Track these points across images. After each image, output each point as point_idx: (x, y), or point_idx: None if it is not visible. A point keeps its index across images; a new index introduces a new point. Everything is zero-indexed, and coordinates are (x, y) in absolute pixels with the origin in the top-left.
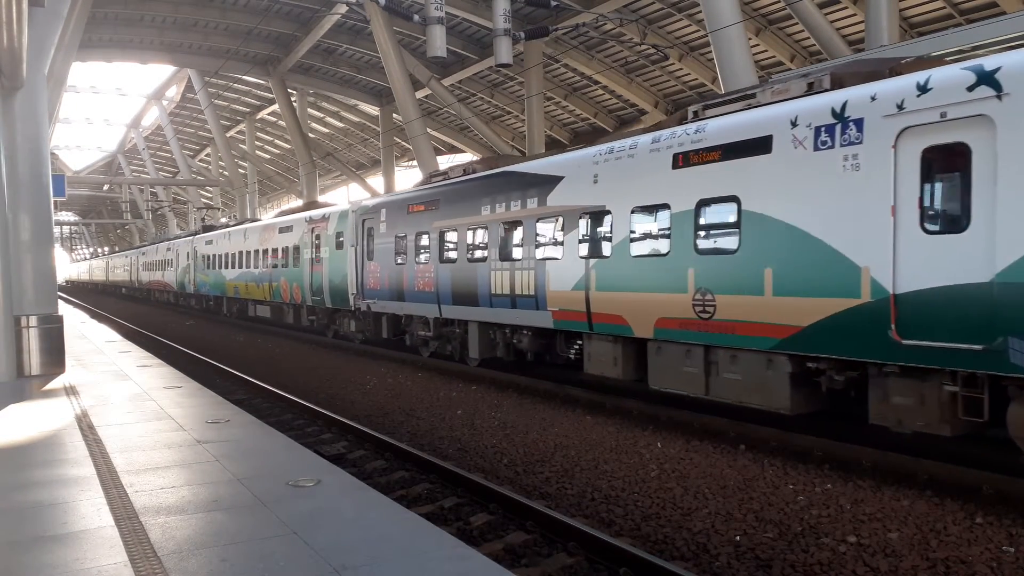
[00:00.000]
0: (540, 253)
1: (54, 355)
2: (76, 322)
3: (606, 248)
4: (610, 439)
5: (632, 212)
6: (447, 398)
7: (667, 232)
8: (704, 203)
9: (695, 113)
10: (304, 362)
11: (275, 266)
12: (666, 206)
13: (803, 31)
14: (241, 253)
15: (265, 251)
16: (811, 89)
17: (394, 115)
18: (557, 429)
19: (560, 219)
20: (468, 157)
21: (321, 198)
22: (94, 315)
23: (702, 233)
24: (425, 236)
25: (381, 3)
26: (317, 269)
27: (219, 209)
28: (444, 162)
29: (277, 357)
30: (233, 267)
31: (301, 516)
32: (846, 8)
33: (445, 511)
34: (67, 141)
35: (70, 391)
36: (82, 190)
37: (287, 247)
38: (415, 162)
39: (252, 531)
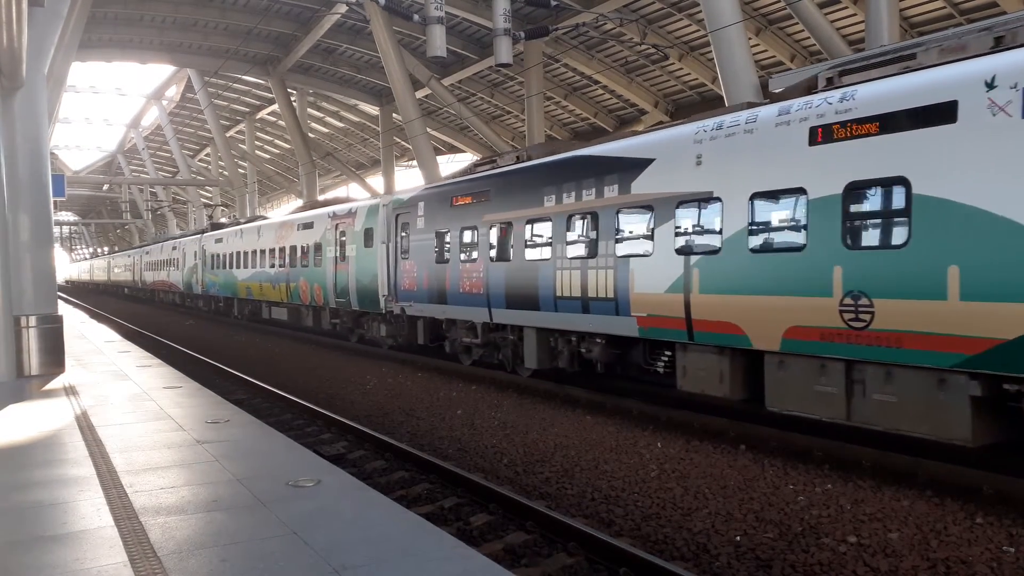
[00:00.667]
0: (622, 249)
1: (54, 355)
2: (76, 322)
3: (714, 242)
4: (610, 439)
5: (751, 199)
6: (447, 398)
7: (802, 222)
8: (856, 187)
9: (829, 80)
10: (304, 362)
11: (293, 265)
12: (800, 191)
13: (803, 31)
14: (255, 252)
15: (282, 249)
16: (999, 44)
17: (394, 115)
18: (557, 429)
19: (649, 209)
20: (469, 157)
21: (321, 198)
22: (94, 315)
23: (854, 223)
24: (472, 231)
25: (381, 3)
26: (342, 269)
27: (227, 206)
28: (444, 162)
29: (277, 357)
30: (246, 267)
31: (301, 516)
32: (846, 8)
33: (445, 511)
34: (67, 141)
35: (70, 391)
36: (82, 190)
37: (307, 245)
38: (415, 162)
39: (252, 531)
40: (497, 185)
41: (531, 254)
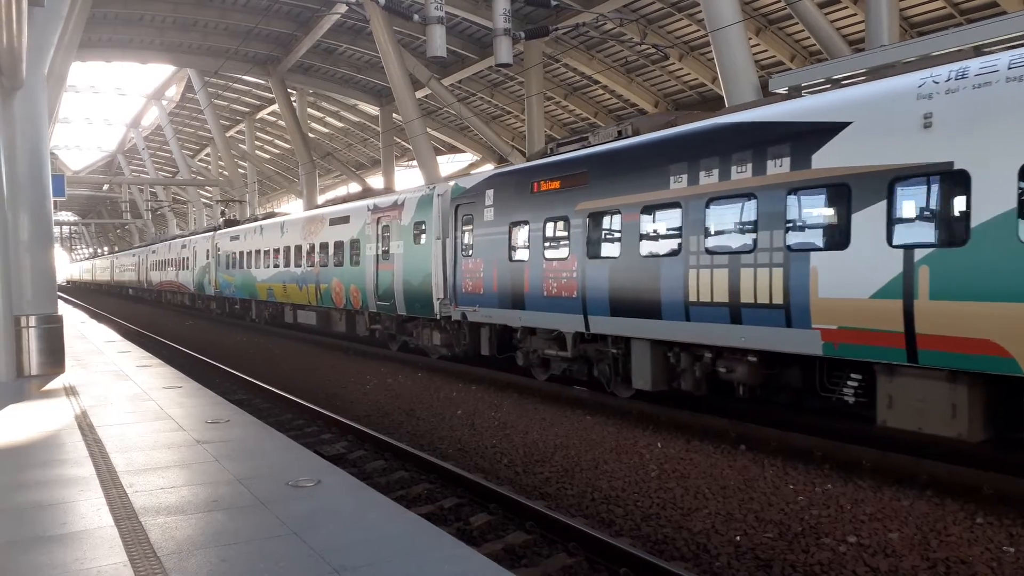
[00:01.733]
0: (797, 241)
1: (54, 355)
2: (76, 322)
3: (956, 231)
4: (610, 439)
5: (1023, 172)
6: (447, 398)
7: None
8: None
9: None
10: (304, 362)
11: (324, 265)
12: None
13: (803, 31)
14: (278, 250)
15: (311, 247)
16: None
17: (394, 115)
18: (557, 429)
19: (843, 188)
20: (469, 157)
21: (321, 198)
22: (94, 315)
23: None
24: (562, 222)
25: (381, 3)
26: (386, 268)
27: (239, 202)
28: (444, 162)
29: (277, 357)
30: (266, 266)
31: (301, 516)
32: (846, 8)
33: (445, 511)
34: (67, 141)
35: (70, 391)
36: (82, 190)
37: (341, 242)
38: (415, 162)
39: (252, 531)
40: (597, 166)
41: (649, 248)
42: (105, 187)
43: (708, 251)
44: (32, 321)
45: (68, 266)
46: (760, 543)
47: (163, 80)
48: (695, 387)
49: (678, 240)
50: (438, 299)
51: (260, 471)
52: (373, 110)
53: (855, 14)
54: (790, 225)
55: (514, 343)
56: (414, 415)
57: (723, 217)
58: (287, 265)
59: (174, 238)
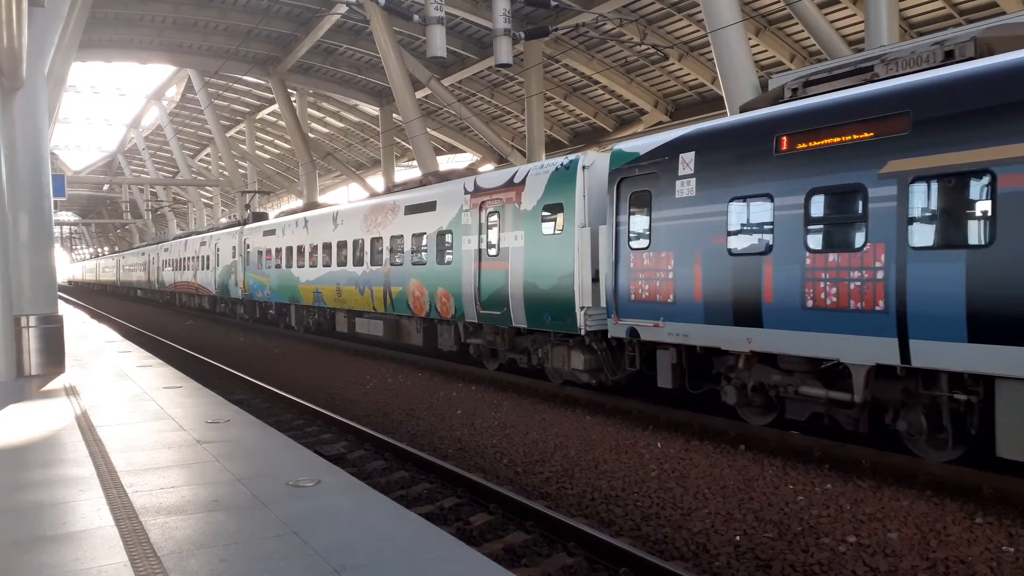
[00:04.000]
0: None
1: (54, 355)
2: (76, 322)
3: None
4: (610, 439)
5: None
6: (447, 398)
7: None
8: None
9: None
10: (304, 362)
11: (397, 263)
12: None
13: (803, 31)
14: (329, 246)
15: (376, 241)
16: None
17: (394, 115)
18: (557, 429)
19: None
20: (469, 157)
21: (321, 198)
22: (94, 315)
23: None
24: (846, 195)
25: (381, 3)
26: (493, 267)
27: (268, 193)
28: (444, 162)
29: (277, 357)
30: (313, 265)
31: (301, 516)
32: (846, 8)
33: (445, 511)
34: (67, 141)
35: (70, 391)
36: (82, 190)
37: (423, 234)
38: (415, 162)
39: (252, 531)
40: (936, 102)
41: None
42: (105, 187)
43: None
44: (32, 321)
45: (69, 266)
46: (760, 543)
47: (163, 80)
48: None
49: None
50: (582, 308)
51: (260, 471)
52: (373, 110)
53: (855, 14)
54: None
55: (721, 373)
56: (414, 415)
57: None
58: (342, 264)
59: (191, 234)
